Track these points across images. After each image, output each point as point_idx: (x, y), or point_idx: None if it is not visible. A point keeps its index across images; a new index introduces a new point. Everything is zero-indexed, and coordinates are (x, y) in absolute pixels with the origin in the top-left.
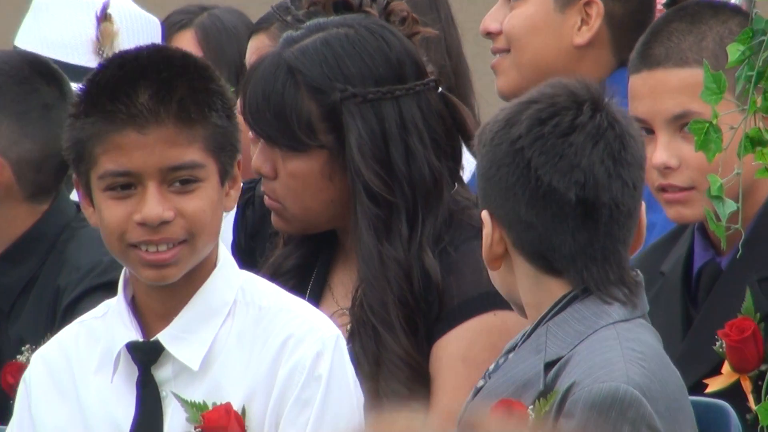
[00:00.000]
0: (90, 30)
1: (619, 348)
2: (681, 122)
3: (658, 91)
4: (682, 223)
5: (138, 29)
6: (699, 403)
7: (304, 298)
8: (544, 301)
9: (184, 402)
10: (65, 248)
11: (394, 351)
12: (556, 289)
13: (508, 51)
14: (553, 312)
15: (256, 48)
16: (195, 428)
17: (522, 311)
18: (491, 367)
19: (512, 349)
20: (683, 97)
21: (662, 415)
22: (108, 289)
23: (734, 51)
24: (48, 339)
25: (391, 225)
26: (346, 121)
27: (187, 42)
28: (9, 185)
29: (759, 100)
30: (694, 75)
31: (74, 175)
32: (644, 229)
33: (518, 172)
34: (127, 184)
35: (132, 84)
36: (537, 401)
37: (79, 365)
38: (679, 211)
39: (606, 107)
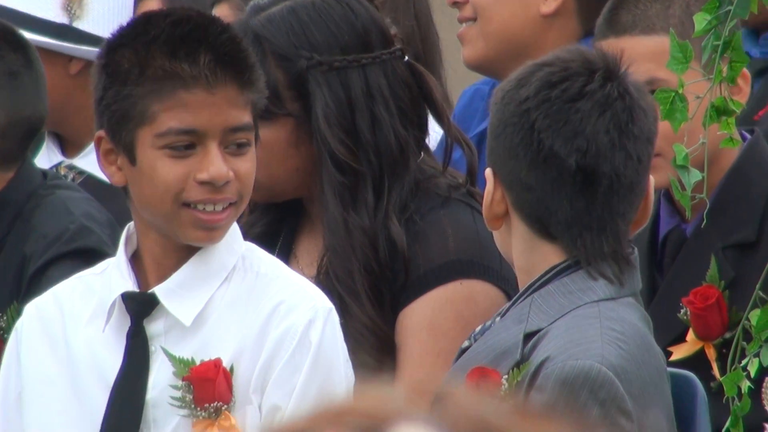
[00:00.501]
0: None
1: (599, 326)
2: (647, 89)
3: (631, 53)
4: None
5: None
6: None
7: None
8: (535, 267)
9: (171, 357)
10: (31, 216)
11: (359, 319)
12: (550, 255)
13: (474, 20)
14: (541, 281)
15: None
16: (182, 379)
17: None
18: (477, 329)
19: (502, 313)
20: (650, 64)
21: (635, 397)
22: (75, 256)
23: (701, 20)
24: (15, 308)
25: (356, 193)
26: (312, 89)
27: (153, 8)
28: None
29: (725, 70)
30: (660, 43)
31: (102, 132)
32: (650, 205)
33: (522, 133)
34: (189, 144)
35: (194, 44)
36: (511, 371)
37: (71, 317)
38: None
39: (620, 78)
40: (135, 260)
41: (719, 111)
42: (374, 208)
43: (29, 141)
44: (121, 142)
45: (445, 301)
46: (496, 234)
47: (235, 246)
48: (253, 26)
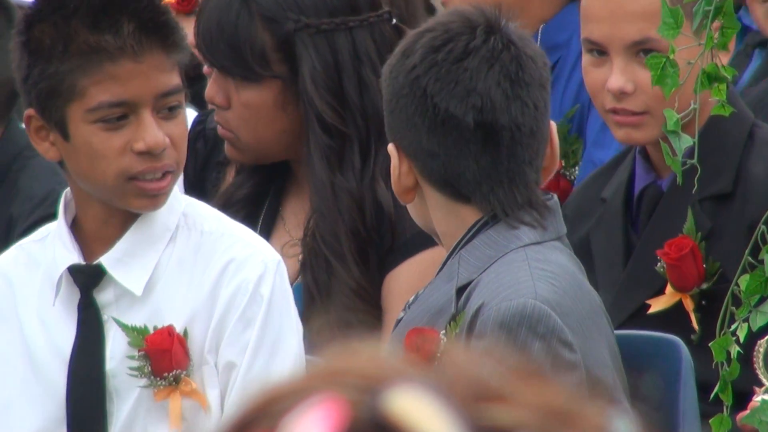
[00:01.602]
0: None
1: (528, 268)
2: (639, 48)
3: (617, 15)
4: (630, 144)
5: None
6: (650, 339)
7: (255, 228)
8: (457, 229)
9: (124, 326)
10: (18, 178)
11: (345, 282)
12: (468, 216)
13: None
14: (465, 240)
15: None
16: (138, 351)
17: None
18: (411, 299)
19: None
20: (643, 23)
21: (574, 329)
22: None
23: None
24: None
25: (343, 156)
26: (300, 52)
27: None
28: None
29: (716, 36)
30: (654, 2)
31: (31, 110)
32: (557, 151)
33: (416, 101)
34: (122, 115)
35: (116, 13)
36: (448, 325)
37: (20, 289)
38: (629, 133)
39: (501, 30)
40: (75, 228)
41: (710, 77)
42: (361, 170)
43: (13, 103)
44: (51, 120)
45: (432, 264)
46: (410, 207)
47: (175, 205)
48: None
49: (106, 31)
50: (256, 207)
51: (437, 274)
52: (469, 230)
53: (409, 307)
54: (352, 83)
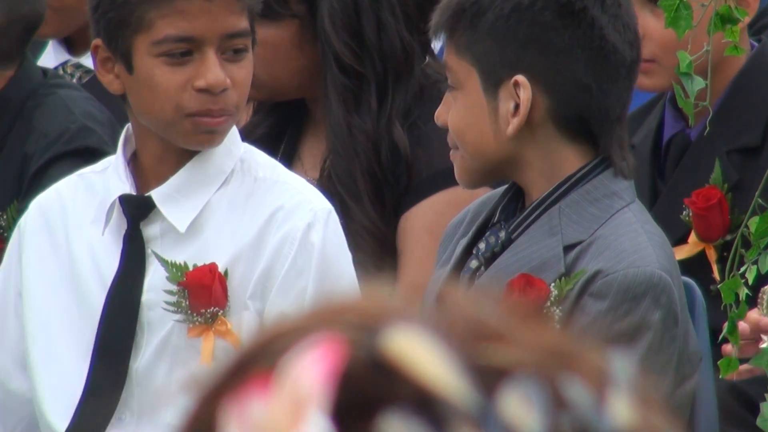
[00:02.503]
0: None
1: (643, 232)
2: None
3: None
4: (641, 89)
5: None
6: None
7: None
8: (557, 171)
9: (164, 261)
10: (32, 115)
11: (361, 222)
12: (574, 157)
13: None
14: (563, 188)
15: None
16: (177, 285)
17: (485, 178)
18: (482, 246)
19: (486, 222)
20: None
21: (679, 298)
22: (76, 155)
23: None
24: (15, 207)
25: (360, 97)
26: None
27: None
28: None
29: None
30: None
31: (98, 40)
32: None
33: (580, 32)
34: (186, 51)
35: None
36: (558, 281)
37: (74, 217)
38: (639, 80)
39: None
40: (134, 162)
41: (724, 19)
42: (377, 112)
43: (28, 39)
44: (117, 50)
45: (447, 205)
46: (500, 140)
47: (233, 149)
48: None
49: None
50: (272, 147)
51: (523, 220)
52: (570, 177)
53: (482, 256)
54: (371, 24)
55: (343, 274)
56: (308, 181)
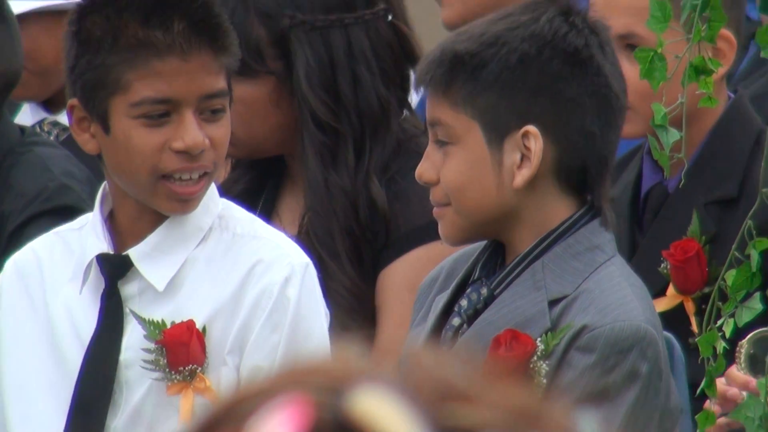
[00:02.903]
0: None
1: (627, 285)
2: (625, 42)
3: (610, 7)
4: None
5: None
6: None
7: None
8: (545, 222)
9: (142, 319)
10: (9, 174)
11: (339, 280)
12: (562, 209)
13: None
14: (547, 242)
15: None
16: (155, 343)
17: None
18: (463, 303)
19: (465, 278)
20: (629, 18)
21: (662, 354)
22: (54, 214)
23: None
24: None
25: (337, 153)
26: (295, 48)
27: None
28: None
29: (704, 29)
30: None
31: (75, 100)
32: None
33: (587, 80)
34: (164, 112)
35: (168, 10)
36: (545, 335)
37: (51, 275)
38: None
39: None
40: (111, 220)
41: (698, 70)
42: (355, 168)
43: (5, 96)
44: (94, 111)
45: (426, 260)
46: (502, 195)
47: (211, 206)
48: None
49: (156, 27)
50: (252, 203)
51: (506, 275)
52: (562, 224)
53: (465, 314)
54: (347, 80)
55: (315, 332)
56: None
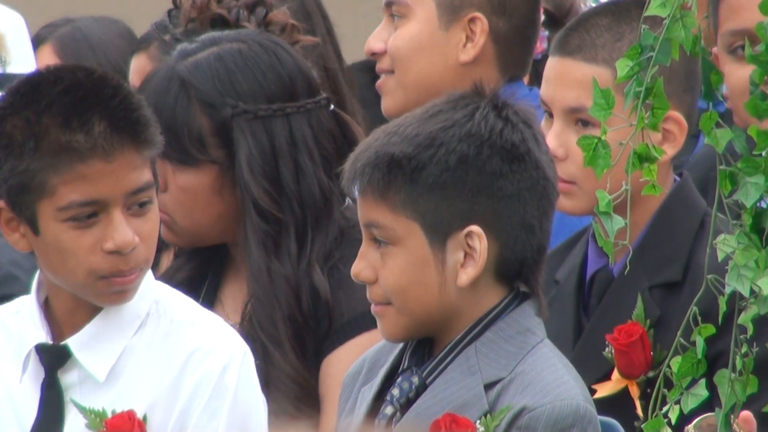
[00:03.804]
0: None
1: (562, 366)
2: (576, 115)
3: (562, 79)
4: (561, 211)
5: (18, 29)
6: None
7: None
8: (474, 310)
9: (82, 409)
10: None
11: (282, 369)
12: (494, 296)
13: (392, 72)
14: (478, 328)
15: (137, 68)
16: None
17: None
18: (395, 392)
19: (396, 368)
20: (581, 92)
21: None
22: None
23: (623, 66)
24: None
25: (280, 242)
26: (237, 137)
27: (46, 56)
28: None
29: (647, 116)
30: (598, 74)
31: (2, 203)
32: None
33: (526, 175)
34: (92, 213)
35: (87, 112)
36: (484, 417)
37: None
38: (559, 200)
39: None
40: (47, 306)
41: (641, 158)
42: (297, 256)
43: None
44: (22, 214)
45: (369, 348)
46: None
47: (147, 292)
48: (180, 71)
49: (77, 131)
50: (194, 290)
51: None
52: (492, 310)
53: (398, 403)
54: (289, 169)
55: (253, 419)
56: (230, 325)
